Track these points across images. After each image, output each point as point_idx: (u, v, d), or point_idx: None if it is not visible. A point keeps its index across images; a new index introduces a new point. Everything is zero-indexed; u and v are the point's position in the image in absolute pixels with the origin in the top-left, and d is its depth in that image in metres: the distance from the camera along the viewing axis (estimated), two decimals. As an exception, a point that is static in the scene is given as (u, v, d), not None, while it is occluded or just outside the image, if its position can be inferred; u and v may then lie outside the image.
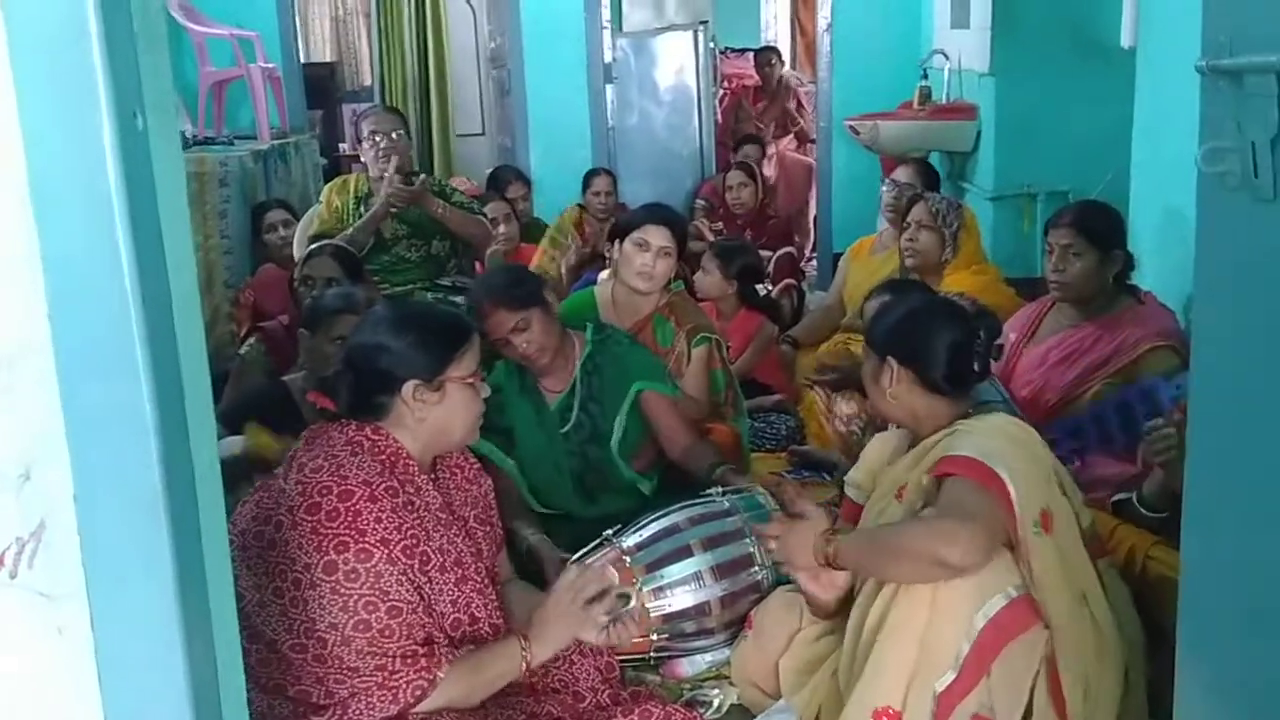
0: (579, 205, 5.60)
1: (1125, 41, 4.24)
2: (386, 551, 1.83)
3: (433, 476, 2.03)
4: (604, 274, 3.82)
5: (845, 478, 2.46)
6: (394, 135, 4.25)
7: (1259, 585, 1.32)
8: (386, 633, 1.82)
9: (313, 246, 3.68)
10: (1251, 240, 1.25)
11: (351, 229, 4.12)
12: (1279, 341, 1.23)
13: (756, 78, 8.14)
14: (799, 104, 7.97)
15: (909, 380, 2.20)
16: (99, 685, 1.02)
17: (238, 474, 2.38)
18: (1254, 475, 1.30)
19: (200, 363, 1.09)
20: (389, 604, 1.82)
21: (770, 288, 4.86)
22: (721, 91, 8.15)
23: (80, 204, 0.92)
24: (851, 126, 5.70)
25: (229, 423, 2.67)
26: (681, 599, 2.44)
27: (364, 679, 1.82)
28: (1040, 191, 4.91)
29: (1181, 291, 3.18)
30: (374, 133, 4.24)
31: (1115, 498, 2.57)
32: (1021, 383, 3.11)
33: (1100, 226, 3.03)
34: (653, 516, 2.54)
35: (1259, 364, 1.27)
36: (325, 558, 1.80)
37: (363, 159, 4.42)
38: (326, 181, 4.86)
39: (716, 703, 2.40)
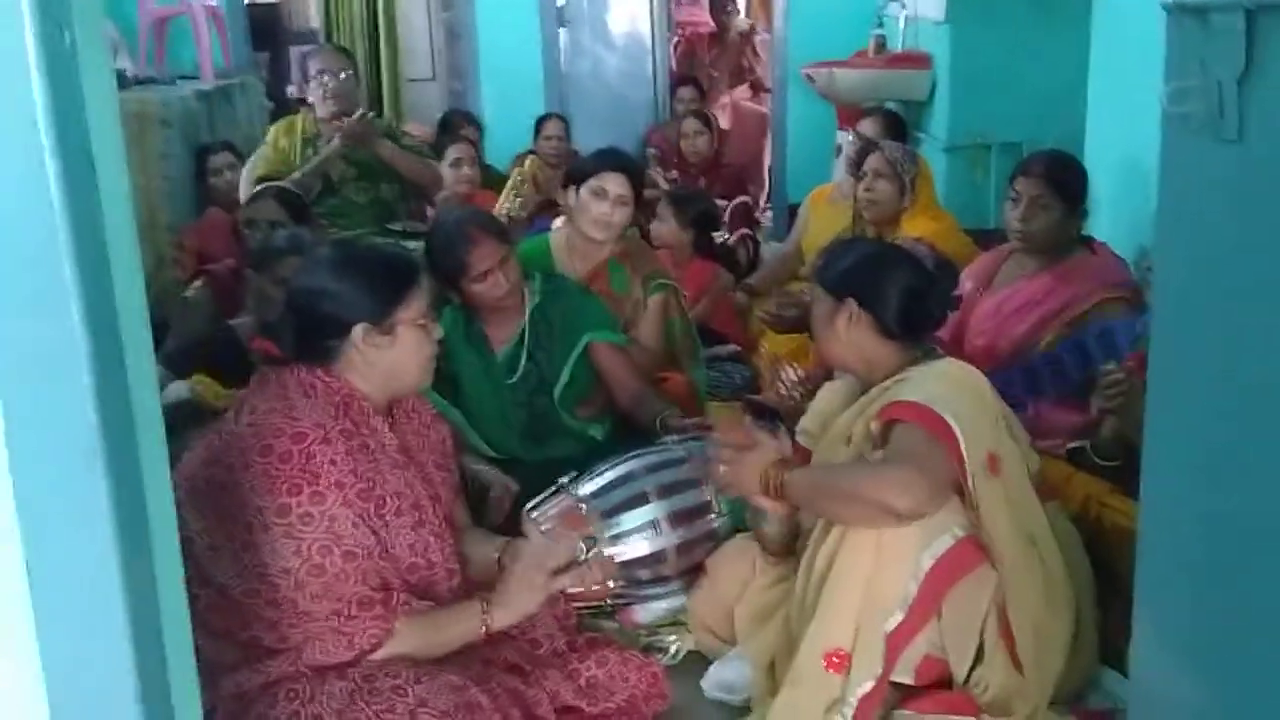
0: (532, 154, 5.52)
1: (1080, -9, 4.23)
2: (341, 494, 1.80)
3: (389, 420, 2.00)
4: (558, 221, 3.77)
5: (797, 426, 2.46)
6: (342, 75, 4.15)
7: (1216, 535, 1.32)
8: (341, 577, 1.80)
9: (257, 189, 3.60)
10: (1214, 182, 1.24)
11: (299, 171, 4.03)
12: (1239, 286, 1.22)
13: (710, 25, 8.05)
14: (753, 52, 7.90)
15: (866, 324, 2.19)
16: (35, 633, 0.98)
17: (184, 420, 2.33)
18: (1213, 424, 1.30)
19: (137, 296, 1.04)
20: (344, 548, 1.80)
21: (726, 236, 4.83)
22: (675, 38, 8.05)
23: (3, 125, 0.87)
24: (808, 74, 5.66)
25: (174, 367, 2.61)
26: (637, 546, 2.43)
27: (318, 624, 1.80)
28: (994, 142, 4.90)
29: (1134, 241, 3.20)
30: (322, 71, 4.14)
31: (1069, 445, 2.59)
32: (976, 331, 3.11)
33: (1070, 180, 3.03)
34: (609, 464, 2.52)
35: (1218, 309, 1.26)
36: (278, 501, 1.77)
37: (310, 100, 4.31)
38: (272, 125, 4.74)
39: (673, 649, 2.40)
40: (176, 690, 1.15)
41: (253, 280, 2.91)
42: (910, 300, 2.19)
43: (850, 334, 2.20)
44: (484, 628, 1.93)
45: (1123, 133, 3.36)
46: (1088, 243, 3.11)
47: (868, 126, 4.37)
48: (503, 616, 1.95)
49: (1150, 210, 3.06)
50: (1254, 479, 1.23)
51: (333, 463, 1.80)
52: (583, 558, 2.07)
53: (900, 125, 4.43)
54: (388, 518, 1.88)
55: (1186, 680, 1.41)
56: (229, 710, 1.80)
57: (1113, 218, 3.28)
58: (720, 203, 5.51)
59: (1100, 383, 2.39)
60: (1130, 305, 2.91)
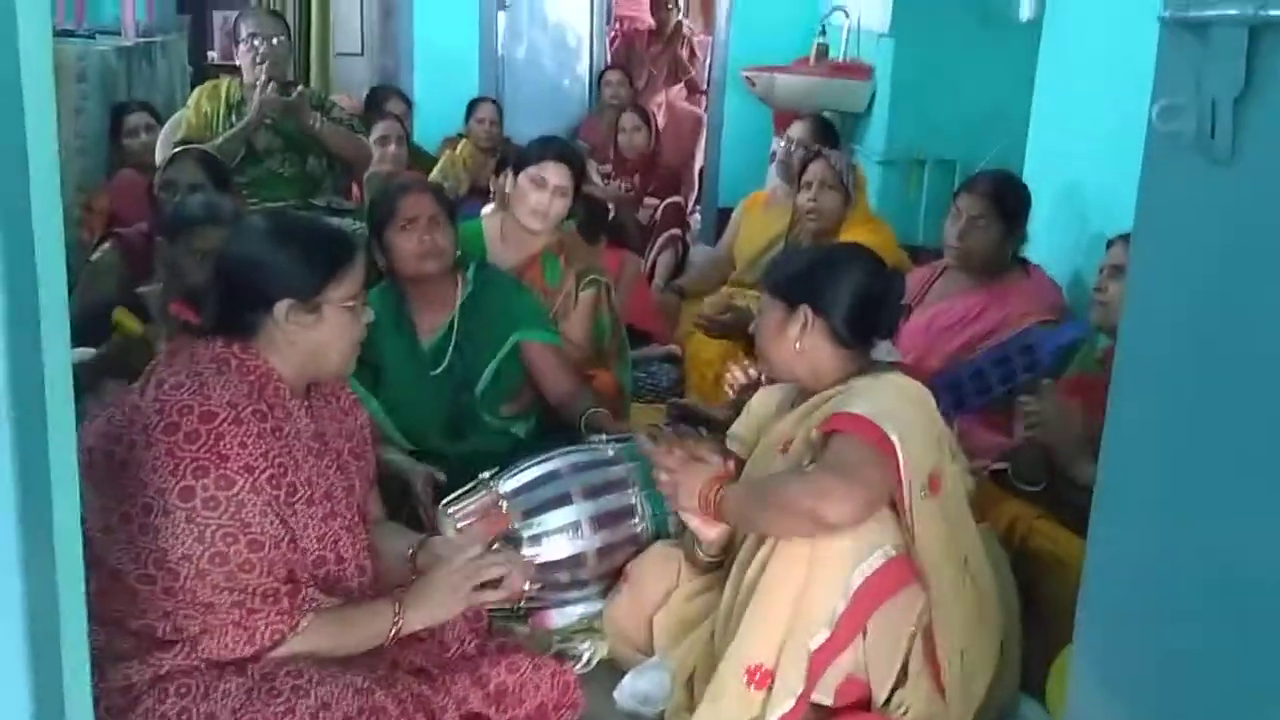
0: (465, 137, 5.41)
1: (1024, 15, 4.25)
2: (250, 479, 1.68)
3: (306, 403, 1.88)
4: (488, 208, 3.66)
5: (728, 431, 2.40)
6: (274, 41, 4.00)
7: (1167, 576, 1.28)
8: (245, 567, 1.69)
9: (176, 150, 3.43)
10: (1201, 203, 1.20)
11: (221, 138, 3.88)
12: (1218, 314, 1.18)
13: (649, 22, 7.98)
14: (691, 52, 7.85)
15: (820, 331, 2.13)
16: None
17: (86, 381, 2.19)
18: (1174, 464, 1.26)
19: (57, 254, 0.95)
20: (249, 536, 1.68)
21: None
22: (613, 32, 7.98)
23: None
24: (748, 77, 5.62)
25: (76, 331, 2.45)
26: (557, 548, 2.35)
27: (218, 616, 1.69)
28: (929, 158, 4.91)
29: (1070, 267, 3.21)
30: (253, 35, 3.98)
31: (993, 467, 2.57)
32: (906, 347, 3.09)
33: (1012, 201, 3.04)
34: (534, 460, 2.44)
35: (1193, 338, 1.22)
36: (182, 483, 1.65)
37: (238, 63, 4.14)
38: (194, 89, 4.55)
39: (586, 656, 2.33)
40: (69, 677, 1.06)
41: (163, 247, 2.75)
42: (866, 304, 2.13)
43: (803, 342, 2.13)
44: (394, 629, 1.84)
45: (1066, 156, 3.37)
46: (1023, 265, 3.11)
47: (798, 130, 4.34)
48: (415, 620, 1.86)
49: (1090, 234, 3.09)
50: (1214, 522, 1.19)
51: (243, 445, 1.69)
52: (505, 571, 1.98)
53: (831, 131, 4.41)
54: (298, 506, 1.76)
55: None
56: (115, 704, 1.68)
57: (1049, 241, 3.29)
58: (651, 201, 5.45)
59: (1024, 408, 2.38)
60: (1062, 329, 2.92)
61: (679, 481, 2.11)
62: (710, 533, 2.16)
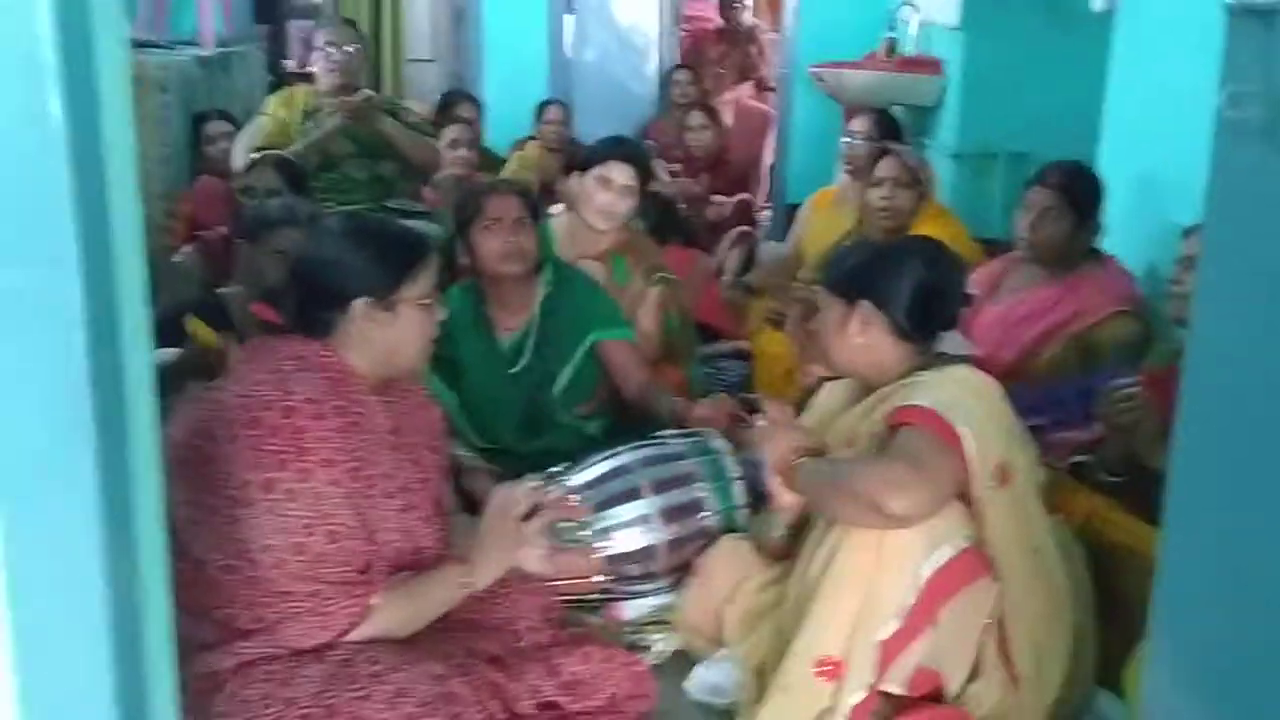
0: (536, 139, 5.46)
1: (1097, 5, 4.18)
2: (330, 472, 1.73)
3: (383, 399, 1.93)
4: (557, 207, 3.70)
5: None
6: (349, 49, 4.08)
7: (1241, 565, 1.27)
8: (324, 557, 1.73)
9: (255, 156, 3.52)
10: (1270, 192, 1.18)
11: (301, 144, 3.96)
12: (1290, 299, 1.17)
13: (718, 21, 7.98)
14: (760, 51, 7.84)
15: (880, 325, 2.13)
16: (9, 601, 0.92)
17: (169, 383, 2.26)
18: (1246, 452, 1.24)
19: (136, 250, 0.98)
20: (328, 528, 1.73)
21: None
22: (682, 33, 7.99)
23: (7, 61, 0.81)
24: (816, 74, 5.60)
25: (158, 333, 2.53)
26: (628, 541, 2.38)
27: (295, 604, 1.73)
28: (1002, 152, 4.85)
29: (1145, 258, 3.16)
30: (330, 44, 4.06)
31: (1073, 459, 2.55)
32: (981, 339, 3.06)
33: (1084, 192, 2.98)
34: (602, 455, 2.47)
35: (1265, 328, 1.21)
36: (264, 475, 1.70)
37: (313, 69, 4.22)
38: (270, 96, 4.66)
39: (658, 648, 2.34)
40: (151, 666, 1.09)
41: (243, 249, 2.83)
42: (925, 297, 2.12)
43: (864, 338, 2.14)
44: (465, 588, 1.86)
45: (1141, 147, 3.32)
46: (1097, 256, 3.07)
47: (859, 124, 4.29)
48: (483, 574, 1.88)
49: (1166, 226, 3.04)
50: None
51: (322, 439, 1.73)
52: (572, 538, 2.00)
53: (894, 125, 4.36)
54: (376, 499, 1.81)
55: (1200, 714, 1.36)
56: (199, 689, 1.73)
57: (1124, 233, 3.24)
58: (720, 199, 5.46)
59: (1112, 395, 2.34)
60: (1139, 320, 2.88)
61: (769, 441, 2.16)
62: (785, 498, 2.17)
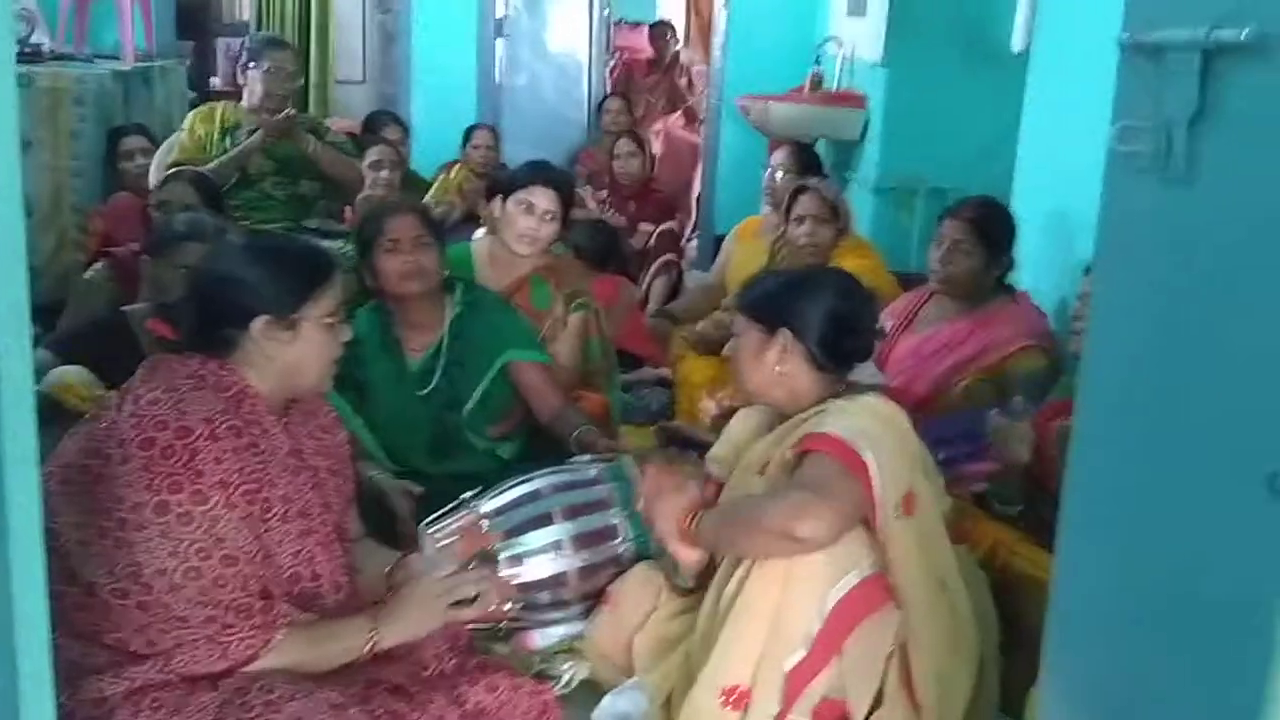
0: (461, 163, 5.45)
1: (1016, 46, 4.27)
2: (225, 495, 1.69)
3: (283, 420, 1.89)
4: (479, 231, 3.68)
5: (709, 454, 2.40)
6: (280, 67, 4.03)
7: (1131, 592, 1.29)
8: (219, 582, 1.69)
9: (170, 171, 3.45)
10: (1159, 224, 1.21)
11: (217, 160, 3.91)
12: (1177, 332, 1.19)
13: (649, 52, 8.06)
14: (689, 82, 7.91)
15: (798, 355, 2.14)
16: None
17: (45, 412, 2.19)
18: (1139, 478, 1.27)
19: (17, 264, 0.95)
20: (223, 552, 1.69)
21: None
22: (613, 62, 8.04)
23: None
24: (743, 106, 5.66)
25: (63, 349, 2.47)
26: (538, 569, 2.34)
27: (192, 630, 1.68)
28: (922, 187, 4.93)
29: (1057, 294, 3.22)
30: (277, 68, 4.00)
31: (975, 489, 2.58)
32: (894, 371, 3.10)
33: (995, 227, 3.04)
34: (515, 480, 2.43)
35: (1154, 356, 1.23)
36: (157, 498, 1.65)
37: (243, 85, 4.15)
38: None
39: (567, 677, 2.32)
40: (28, 692, 1.05)
41: (148, 265, 2.77)
42: (842, 328, 2.15)
43: (782, 366, 2.14)
44: (370, 646, 1.84)
45: (1051, 185, 3.39)
46: (1009, 291, 3.12)
47: (779, 156, 4.36)
48: (391, 636, 1.86)
49: (1075, 263, 3.09)
50: (1176, 537, 1.19)
51: (218, 461, 1.69)
52: (481, 588, 1.98)
53: (813, 158, 4.42)
54: (273, 523, 1.77)
55: (1093, 738, 1.37)
56: (89, 715, 1.67)
57: (1035, 269, 3.30)
58: (646, 228, 5.48)
59: (993, 432, 2.40)
60: (1047, 355, 2.92)
61: (658, 509, 2.15)
62: (690, 556, 2.17)
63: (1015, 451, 2.37)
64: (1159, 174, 1.18)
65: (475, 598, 1.95)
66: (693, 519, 2.10)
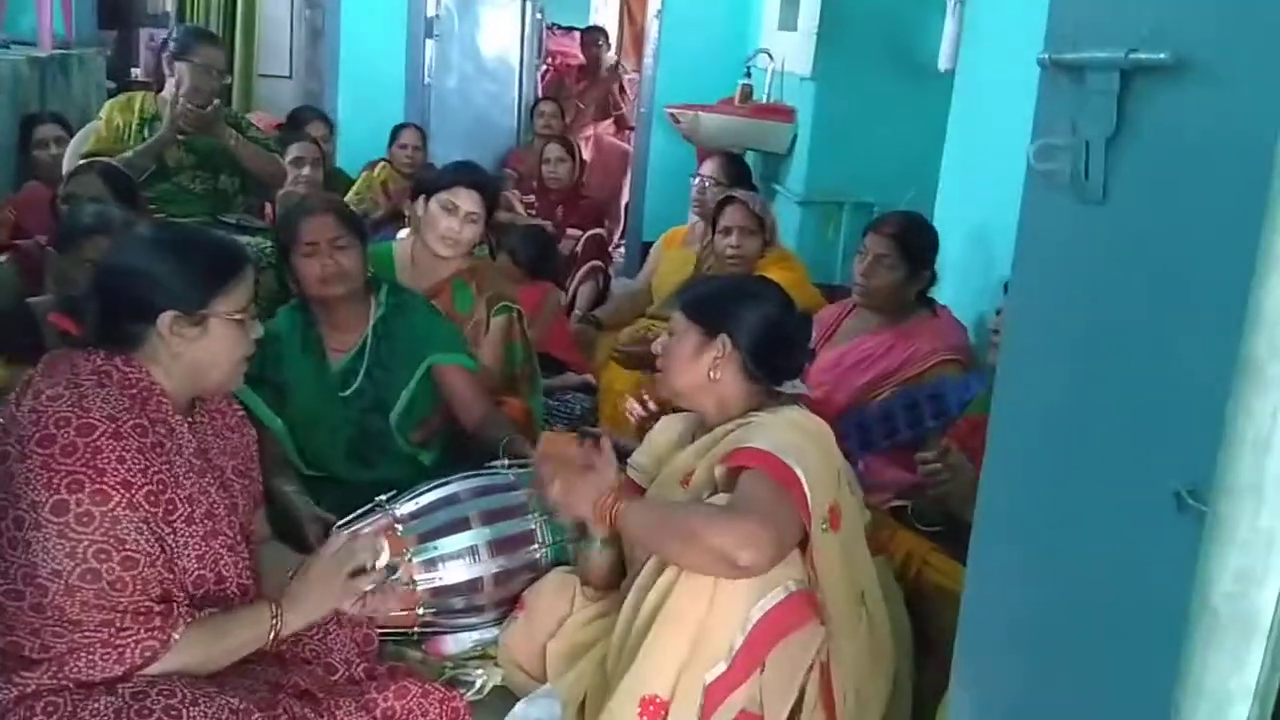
0: (386, 161, 5.39)
1: (943, 65, 4.34)
2: (127, 495, 1.63)
3: (189, 419, 1.83)
4: (403, 232, 3.63)
5: (629, 460, 2.38)
6: (205, 59, 3.93)
7: (1040, 606, 1.30)
8: (118, 585, 1.63)
9: (80, 163, 3.35)
10: (1074, 242, 1.22)
11: (132, 151, 3.79)
12: (1089, 350, 1.20)
13: (580, 59, 8.04)
14: (621, 89, 7.91)
15: (734, 363, 2.13)
16: None
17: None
18: (1050, 495, 1.28)
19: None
20: (124, 554, 1.63)
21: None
22: (544, 67, 8.01)
23: None
24: (673, 114, 5.67)
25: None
26: (453, 573, 2.32)
27: (87, 634, 1.63)
28: (848, 200, 4.98)
29: (975, 309, 3.26)
30: (207, 64, 3.90)
31: (892, 504, 2.59)
32: (815, 382, 3.11)
33: (918, 243, 3.08)
34: (432, 485, 2.40)
35: (1066, 373, 1.25)
36: (55, 496, 1.59)
37: (168, 75, 4.03)
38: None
39: (479, 683, 2.29)
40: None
41: (54, 258, 2.68)
42: (781, 344, 2.14)
43: (715, 372, 2.13)
44: (273, 632, 1.78)
45: (973, 200, 3.44)
46: (930, 305, 3.16)
47: (709, 167, 4.38)
48: (294, 619, 1.80)
49: (995, 278, 3.14)
50: (1087, 550, 1.20)
51: (121, 460, 1.63)
52: (383, 563, 1.92)
53: (743, 169, 4.44)
54: (176, 524, 1.71)
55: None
56: (-22, 722, 1.61)
57: (957, 284, 3.34)
58: (574, 233, 5.46)
59: (923, 469, 2.38)
60: (965, 370, 2.96)
61: (573, 491, 2.07)
62: (605, 530, 2.12)
63: (955, 485, 2.34)
64: (1076, 192, 1.19)
65: (373, 567, 1.89)
66: (614, 501, 2.03)
